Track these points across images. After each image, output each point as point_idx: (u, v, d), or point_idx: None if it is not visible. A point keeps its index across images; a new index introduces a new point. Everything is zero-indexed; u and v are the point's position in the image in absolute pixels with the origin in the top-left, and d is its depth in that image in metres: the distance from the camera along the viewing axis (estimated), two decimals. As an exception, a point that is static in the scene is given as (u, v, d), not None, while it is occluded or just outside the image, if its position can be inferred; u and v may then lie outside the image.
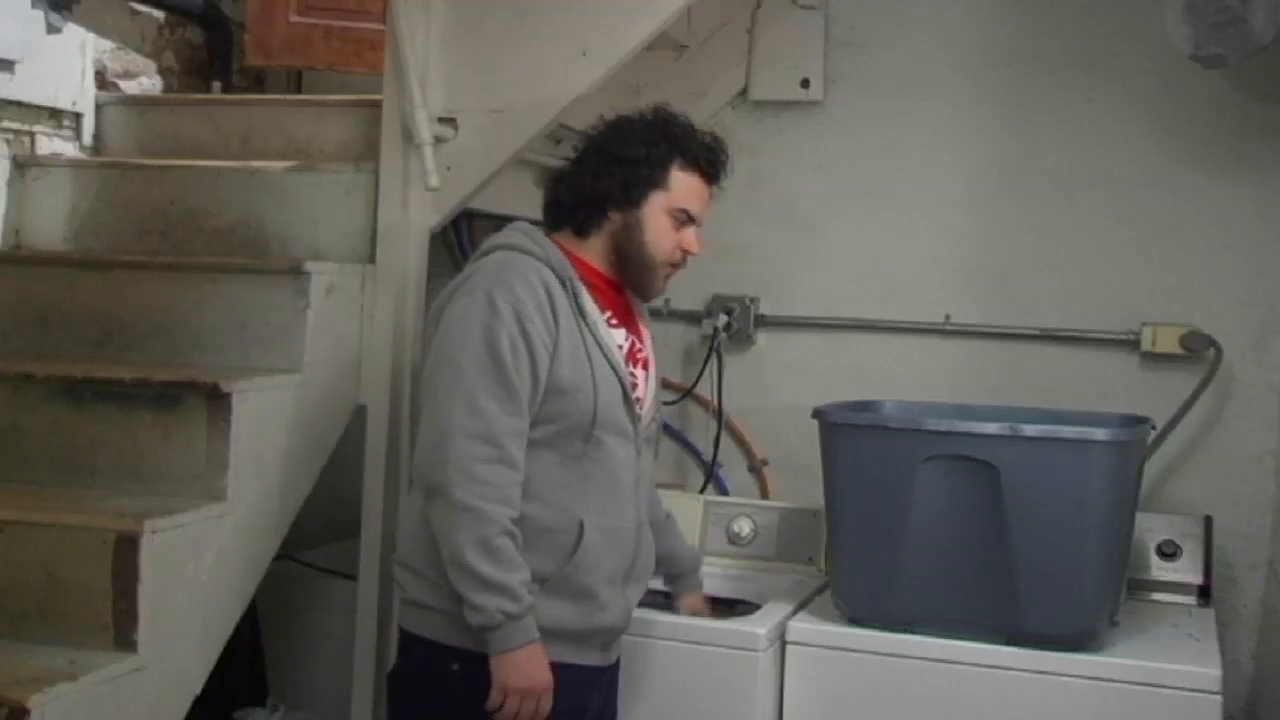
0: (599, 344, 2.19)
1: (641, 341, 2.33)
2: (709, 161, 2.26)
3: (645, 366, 2.31)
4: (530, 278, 2.14)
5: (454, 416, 2.07)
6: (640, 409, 2.25)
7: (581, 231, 2.26)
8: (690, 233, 2.27)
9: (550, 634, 2.13)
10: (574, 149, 2.32)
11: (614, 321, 2.27)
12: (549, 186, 2.31)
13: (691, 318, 3.37)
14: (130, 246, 2.90)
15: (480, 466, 2.05)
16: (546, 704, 2.09)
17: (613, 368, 2.20)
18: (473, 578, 2.04)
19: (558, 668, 2.15)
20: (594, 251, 2.27)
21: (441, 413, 2.10)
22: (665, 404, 3.00)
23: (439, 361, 2.14)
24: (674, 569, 2.60)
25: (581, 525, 2.15)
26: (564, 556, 2.14)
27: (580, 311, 2.18)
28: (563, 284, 2.17)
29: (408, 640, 2.23)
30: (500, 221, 3.40)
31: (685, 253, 2.28)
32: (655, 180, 2.22)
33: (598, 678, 2.28)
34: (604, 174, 2.22)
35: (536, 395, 2.12)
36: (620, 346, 2.25)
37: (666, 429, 3.15)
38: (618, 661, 2.38)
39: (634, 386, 2.25)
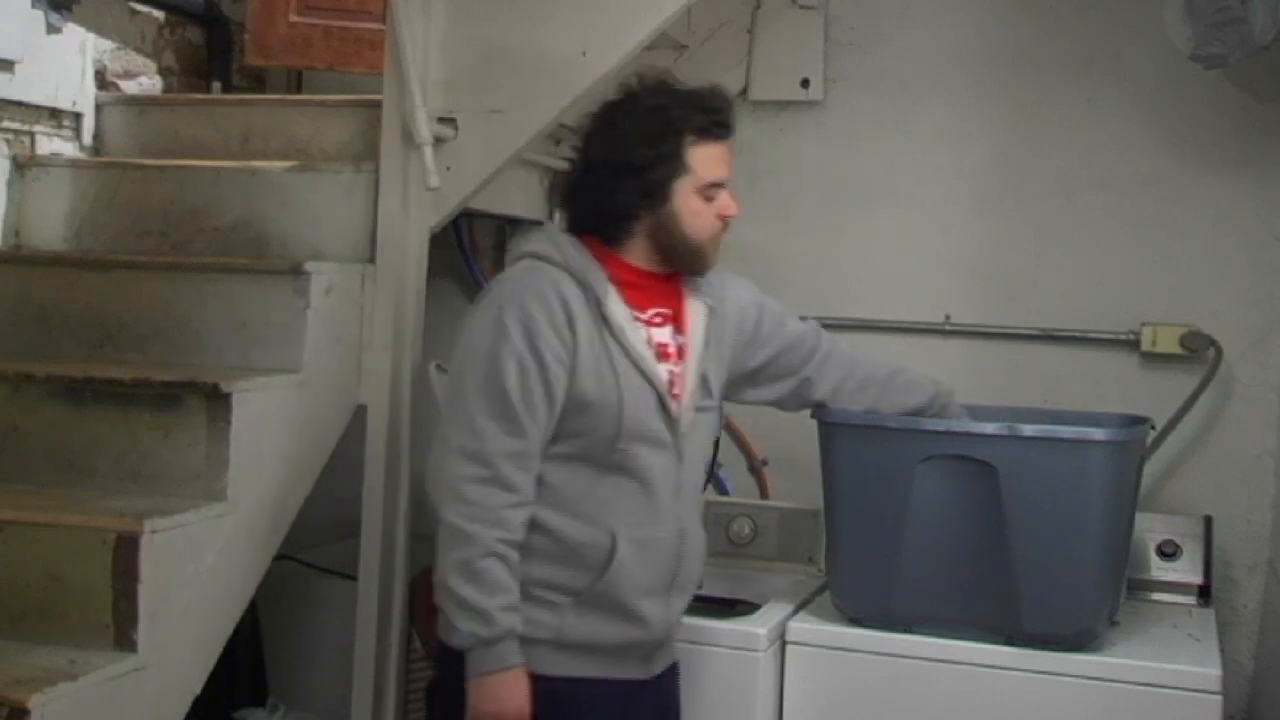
0: (626, 352, 2.11)
1: (685, 333, 2.22)
2: (717, 124, 2.16)
3: (683, 358, 2.20)
4: (545, 290, 2.08)
5: (451, 435, 2.07)
6: (678, 409, 2.17)
7: (613, 240, 2.17)
8: (724, 198, 2.17)
9: (585, 649, 2.12)
10: (573, 149, 2.23)
11: (657, 319, 2.19)
12: (564, 198, 2.23)
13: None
14: (130, 246, 2.90)
15: (469, 487, 2.03)
16: None
17: (644, 375, 2.12)
18: (452, 598, 2.04)
19: (595, 684, 2.13)
20: (634, 252, 2.18)
21: (443, 428, 2.10)
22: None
23: (450, 376, 2.14)
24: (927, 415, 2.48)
25: (614, 539, 2.11)
26: (596, 571, 2.10)
27: (604, 319, 2.11)
28: (584, 291, 2.11)
29: (441, 652, 2.20)
30: (500, 222, 3.43)
31: (726, 218, 2.20)
32: (674, 170, 2.12)
33: (639, 690, 2.21)
34: (619, 188, 2.12)
35: (553, 411, 2.07)
36: (664, 344, 2.18)
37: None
38: (670, 671, 2.30)
39: (672, 384, 2.16)
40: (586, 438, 2.10)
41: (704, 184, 2.16)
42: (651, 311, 2.19)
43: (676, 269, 2.22)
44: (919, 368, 2.73)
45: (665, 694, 2.30)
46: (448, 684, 2.18)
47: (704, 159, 2.15)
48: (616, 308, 2.13)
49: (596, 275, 2.13)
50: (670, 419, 2.16)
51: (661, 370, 2.16)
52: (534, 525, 2.09)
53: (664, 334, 2.20)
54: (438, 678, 2.26)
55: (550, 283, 2.10)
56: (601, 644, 2.14)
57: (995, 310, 3.16)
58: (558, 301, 2.08)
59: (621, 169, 2.13)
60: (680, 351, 2.21)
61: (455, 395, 2.10)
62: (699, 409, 2.22)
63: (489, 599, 2.02)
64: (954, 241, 3.20)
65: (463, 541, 2.02)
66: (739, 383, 2.41)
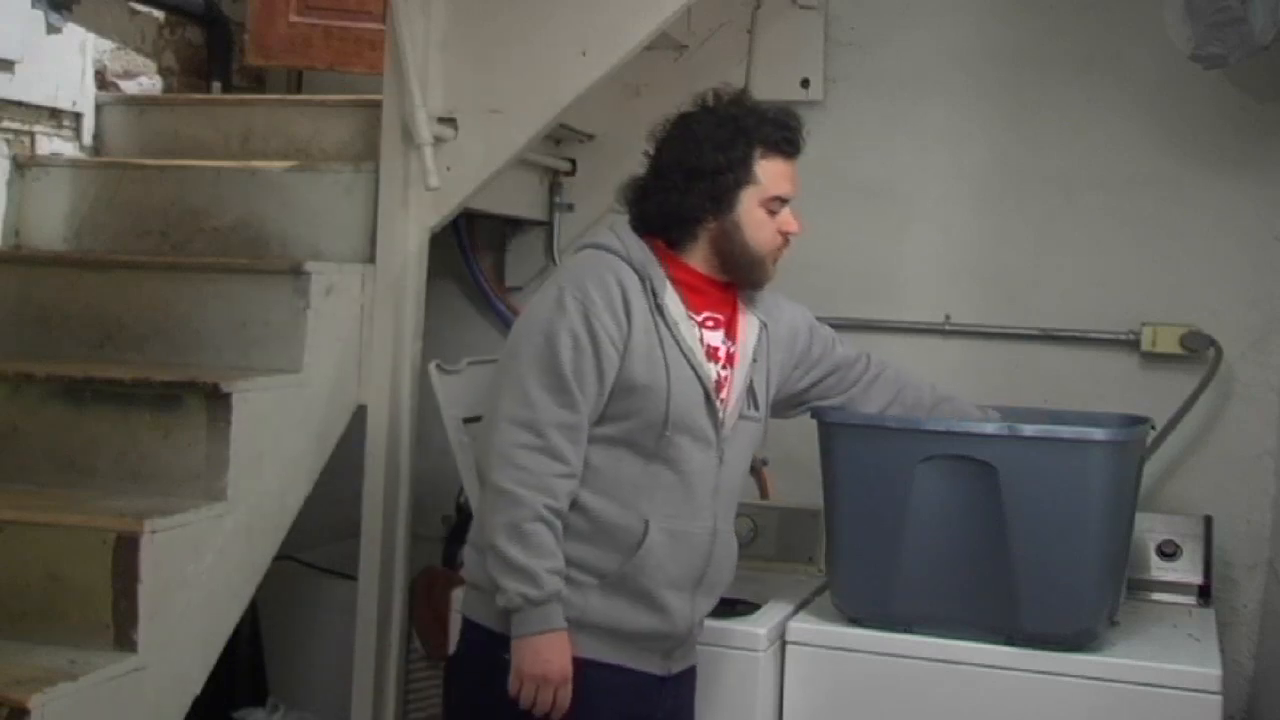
0: (678, 344, 2.15)
1: (735, 342, 2.26)
2: (787, 140, 2.22)
3: (732, 364, 2.24)
4: (606, 276, 2.13)
5: (504, 404, 2.10)
6: (724, 411, 2.20)
7: (677, 244, 2.22)
8: (786, 214, 2.23)
9: (606, 632, 2.14)
10: (645, 154, 2.27)
11: (710, 323, 2.23)
12: (631, 199, 2.26)
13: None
14: (130, 246, 2.90)
15: (520, 453, 2.06)
16: (565, 695, 2.08)
17: (693, 369, 2.16)
18: (500, 560, 2.05)
19: (610, 669, 2.15)
20: (695, 257, 2.22)
21: (495, 400, 2.13)
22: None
23: (504, 352, 2.18)
24: None
25: (646, 525, 2.13)
26: (625, 555, 2.13)
27: (659, 310, 2.15)
28: (642, 282, 2.16)
29: (466, 626, 2.23)
30: (500, 221, 3.43)
31: (787, 235, 2.25)
32: (742, 180, 2.18)
33: (656, 686, 2.23)
34: (689, 190, 2.18)
35: (602, 391, 2.11)
36: (715, 348, 2.22)
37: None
38: (688, 674, 2.31)
39: (719, 386, 2.21)
40: (633, 421, 2.13)
41: (769, 197, 2.21)
42: (705, 314, 2.23)
43: (734, 279, 2.26)
44: (919, 368, 2.76)
45: (679, 696, 2.31)
46: (471, 655, 2.20)
47: (771, 173, 2.21)
48: (672, 303, 2.18)
49: (656, 270, 2.18)
50: (715, 418, 2.19)
51: (710, 369, 2.20)
52: (571, 504, 2.11)
53: (715, 337, 2.24)
54: (458, 652, 2.27)
55: (610, 270, 2.15)
56: (622, 629, 2.15)
57: (995, 310, 3.16)
58: (616, 287, 2.13)
59: (691, 172, 2.18)
60: (730, 357, 2.25)
61: (509, 367, 2.13)
62: (743, 416, 2.26)
63: (537, 561, 2.04)
64: (954, 241, 3.20)
65: (511, 504, 2.05)
66: (786, 403, 2.45)
